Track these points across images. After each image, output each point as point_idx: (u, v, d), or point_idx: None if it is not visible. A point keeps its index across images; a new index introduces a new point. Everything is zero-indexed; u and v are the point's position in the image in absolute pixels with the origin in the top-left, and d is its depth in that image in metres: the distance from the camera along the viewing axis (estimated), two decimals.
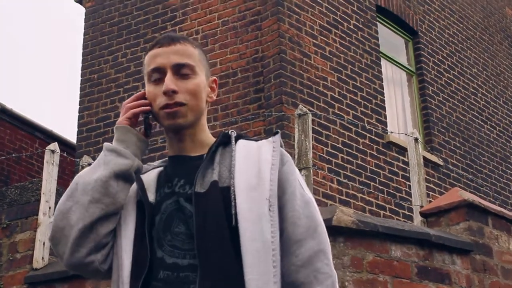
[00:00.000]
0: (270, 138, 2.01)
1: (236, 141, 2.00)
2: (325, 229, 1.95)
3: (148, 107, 1.99)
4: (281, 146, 1.99)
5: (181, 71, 1.96)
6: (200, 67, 2.02)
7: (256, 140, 2.02)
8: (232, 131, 2.03)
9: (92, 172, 1.92)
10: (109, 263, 1.94)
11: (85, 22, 10.60)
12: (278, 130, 2.06)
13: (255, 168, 1.90)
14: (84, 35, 10.50)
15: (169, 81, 1.93)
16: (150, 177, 2.03)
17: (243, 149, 1.96)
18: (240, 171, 1.89)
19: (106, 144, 1.97)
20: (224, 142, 2.00)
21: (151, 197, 1.95)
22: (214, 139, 2.03)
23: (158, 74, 1.97)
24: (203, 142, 2.02)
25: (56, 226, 1.89)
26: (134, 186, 2.00)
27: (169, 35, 2.02)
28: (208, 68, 2.08)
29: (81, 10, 11.54)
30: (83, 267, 1.91)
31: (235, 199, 1.84)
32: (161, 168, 2.07)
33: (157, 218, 1.91)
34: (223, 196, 1.86)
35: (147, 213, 1.91)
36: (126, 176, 1.94)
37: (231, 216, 1.83)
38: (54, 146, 6.88)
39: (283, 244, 1.88)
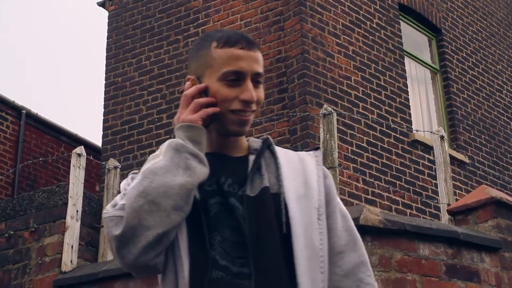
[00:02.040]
0: (311, 152, 2.03)
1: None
2: (362, 242, 2.02)
3: (218, 109, 1.90)
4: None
5: (257, 79, 1.93)
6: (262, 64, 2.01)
7: (295, 151, 2.04)
8: (269, 138, 2.04)
9: (172, 174, 1.79)
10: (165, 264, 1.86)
11: (108, 26, 10.66)
12: (319, 146, 2.18)
13: (301, 177, 1.93)
14: (108, 38, 10.56)
15: (252, 91, 1.91)
16: None
17: (284, 157, 1.97)
18: (287, 179, 1.91)
19: (183, 144, 1.84)
20: (266, 147, 2.00)
21: (196, 194, 1.86)
22: (247, 142, 2.02)
23: (236, 76, 1.90)
24: (242, 144, 2.00)
25: (127, 223, 1.76)
26: None
27: (245, 37, 1.96)
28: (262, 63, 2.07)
29: (104, 14, 11.59)
30: (147, 268, 1.82)
31: (286, 206, 1.86)
32: None
33: (204, 217, 1.87)
34: (274, 203, 1.86)
35: (202, 212, 1.85)
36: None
37: (282, 223, 1.84)
38: (81, 149, 6.92)
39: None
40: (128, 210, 1.77)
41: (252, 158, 1.95)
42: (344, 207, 2.02)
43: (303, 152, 2.03)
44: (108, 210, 1.83)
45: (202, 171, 1.83)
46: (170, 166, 1.80)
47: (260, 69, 1.94)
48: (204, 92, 1.91)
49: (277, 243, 1.81)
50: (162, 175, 1.78)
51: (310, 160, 1.99)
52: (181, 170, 1.80)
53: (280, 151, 1.99)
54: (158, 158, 1.83)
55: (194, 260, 1.81)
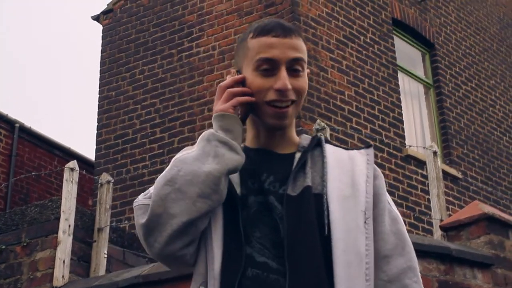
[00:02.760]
0: (362, 150, 1.93)
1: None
2: (412, 247, 1.91)
3: (253, 98, 1.85)
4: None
5: (294, 66, 1.85)
6: (306, 59, 1.91)
7: (346, 149, 1.94)
8: (321, 135, 1.97)
9: (201, 162, 1.76)
10: (196, 256, 1.81)
11: (102, 39, 10.67)
12: (372, 144, 2.03)
13: (348, 178, 1.83)
14: (102, 52, 10.56)
15: (286, 79, 1.82)
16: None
17: (332, 156, 1.88)
18: (333, 179, 1.82)
19: (214, 133, 1.81)
20: (315, 145, 1.92)
21: (237, 189, 1.82)
22: (298, 138, 1.94)
23: (269, 65, 1.84)
24: (291, 140, 1.92)
25: (153, 211, 1.73)
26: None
27: (282, 24, 1.88)
28: (305, 49, 1.95)
29: (98, 28, 11.63)
30: (174, 259, 1.79)
31: (328, 208, 1.77)
32: None
33: (243, 213, 1.79)
34: (315, 203, 1.77)
35: (240, 207, 1.78)
36: (234, 172, 1.81)
37: (323, 225, 1.74)
38: (73, 164, 6.90)
39: None
40: (155, 198, 1.74)
41: (298, 155, 1.89)
42: (395, 209, 1.93)
43: (354, 151, 1.93)
44: (138, 198, 1.81)
45: (232, 157, 1.78)
46: (200, 155, 1.77)
47: (298, 54, 1.85)
48: (242, 83, 1.88)
49: (316, 245, 1.72)
50: (190, 163, 1.76)
51: (360, 159, 1.89)
52: (211, 158, 1.76)
53: (329, 149, 1.91)
54: (191, 149, 1.81)
55: (227, 254, 1.74)
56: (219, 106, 1.85)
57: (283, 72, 1.83)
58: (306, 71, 1.91)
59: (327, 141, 1.95)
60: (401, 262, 1.85)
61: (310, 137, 1.96)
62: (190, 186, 1.73)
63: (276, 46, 1.84)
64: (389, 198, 1.94)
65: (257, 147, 1.92)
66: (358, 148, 1.95)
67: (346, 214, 1.77)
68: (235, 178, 1.84)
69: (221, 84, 1.88)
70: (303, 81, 1.87)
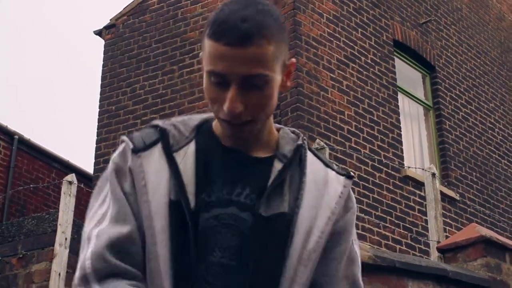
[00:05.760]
0: (341, 178, 1.68)
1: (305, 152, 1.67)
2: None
3: None
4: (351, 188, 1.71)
5: (251, 82, 1.51)
6: (276, 61, 1.54)
7: (326, 165, 1.69)
8: (304, 139, 1.69)
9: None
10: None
11: (104, 54, 10.70)
12: (353, 175, 1.68)
13: (315, 208, 1.60)
14: (103, 66, 10.59)
15: (234, 101, 1.50)
16: (187, 165, 1.58)
17: (311, 175, 1.63)
18: (305, 206, 1.59)
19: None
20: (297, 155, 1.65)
21: (191, 198, 1.54)
22: (276, 134, 1.68)
23: (219, 79, 1.51)
24: (266, 139, 1.64)
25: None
26: (163, 173, 1.56)
27: (239, 27, 1.47)
28: (286, 49, 1.60)
29: (100, 42, 11.66)
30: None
31: (291, 240, 1.56)
32: (194, 148, 1.62)
33: (200, 226, 1.54)
34: (284, 228, 1.56)
35: (190, 226, 1.52)
36: None
37: (284, 255, 1.56)
38: (72, 177, 6.91)
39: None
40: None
41: (278, 166, 1.61)
42: (356, 248, 1.71)
43: (333, 173, 1.68)
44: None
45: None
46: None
47: (254, 70, 1.49)
48: None
49: (277, 275, 1.54)
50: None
51: (334, 188, 1.64)
52: None
53: (310, 163, 1.65)
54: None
55: (177, 276, 1.52)
56: None
57: (232, 92, 1.50)
58: (277, 78, 1.56)
59: (309, 148, 1.70)
60: None
61: (291, 137, 1.68)
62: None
63: (226, 58, 1.48)
64: (354, 234, 1.71)
65: (228, 145, 1.61)
66: (340, 172, 1.70)
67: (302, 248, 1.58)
68: (190, 179, 1.56)
69: None
70: (263, 97, 1.53)
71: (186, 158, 1.59)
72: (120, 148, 1.62)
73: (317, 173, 1.65)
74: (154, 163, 1.57)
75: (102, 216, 1.57)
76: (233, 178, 1.58)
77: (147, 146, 1.60)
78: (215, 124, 1.65)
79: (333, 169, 1.69)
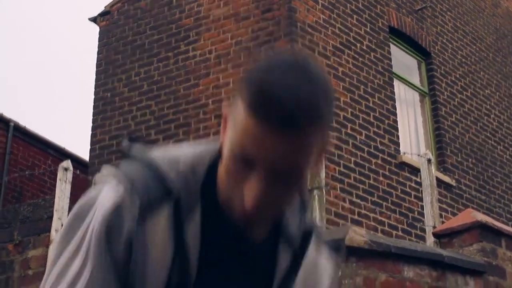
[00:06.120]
0: (328, 268, 1.44)
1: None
2: None
3: None
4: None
5: (285, 175, 1.20)
6: (317, 149, 1.22)
7: (317, 246, 1.41)
8: (313, 225, 1.41)
9: None
10: None
11: (99, 41, 10.67)
12: (343, 246, 1.47)
13: None
14: (98, 53, 10.56)
15: (256, 198, 1.19)
16: (194, 241, 1.26)
17: (306, 266, 1.38)
18: None
19: None
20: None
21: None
22: None
23: (244, 163, 1.20)
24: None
25: None
26: (167, 249, 1.23)
27: (289, 109, 1.14)
28: (328, 132, 1.26)
29: (95, 29, 11.62)
30: None
31: None
32: (199, 217, 1.27)
33: None
34: None
35: None
36: None
37: None
38: (67, 163, 6.91)
39: None
40: None
41: (285, 256, 1.34)
42: None
43: (324, 262, 1.42)
44: None
45: None
46: None
47: (291, 164, 1.18)
48: None
49: None
50: None
51: (324, 271, 1.42)
52: None
53: (309, 253, 1.39)
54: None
55: None
56: None
57: (257, 184, 1.19)
58: (316, 151, 1.22)
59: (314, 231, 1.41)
60: None
61: (297, 217, 1.37)
62: None
63: (263, 142, 1.16)
64: None
65: (231, 217, 1.25)
66: (332, 253, 1.45)
67: None
68: (192, 269, 1.25)
69: None
70: (293, 192, 1.25)
71: (192, 230, 1.25)
72: (115, 196, 1.23)
73: (311, 266, 1.39)
74: (159, 233, 1.23)
75: (75, 277, 1.22)
76: (231, 273, 1.31)
77: (153, 205, 1.23)
78: (220, 176, 1.27)
79: (326, 251, 1.44)
